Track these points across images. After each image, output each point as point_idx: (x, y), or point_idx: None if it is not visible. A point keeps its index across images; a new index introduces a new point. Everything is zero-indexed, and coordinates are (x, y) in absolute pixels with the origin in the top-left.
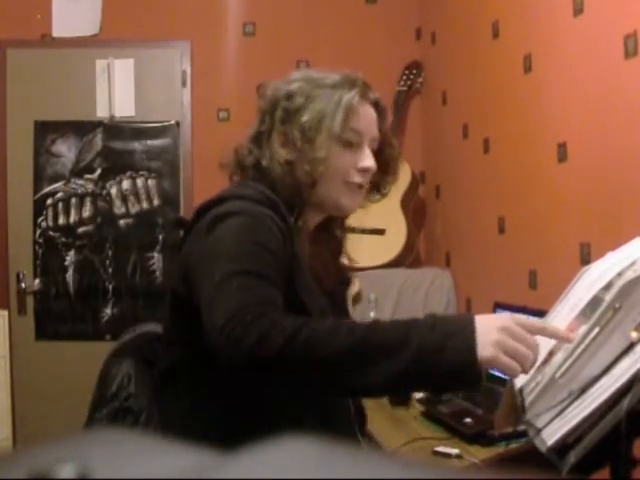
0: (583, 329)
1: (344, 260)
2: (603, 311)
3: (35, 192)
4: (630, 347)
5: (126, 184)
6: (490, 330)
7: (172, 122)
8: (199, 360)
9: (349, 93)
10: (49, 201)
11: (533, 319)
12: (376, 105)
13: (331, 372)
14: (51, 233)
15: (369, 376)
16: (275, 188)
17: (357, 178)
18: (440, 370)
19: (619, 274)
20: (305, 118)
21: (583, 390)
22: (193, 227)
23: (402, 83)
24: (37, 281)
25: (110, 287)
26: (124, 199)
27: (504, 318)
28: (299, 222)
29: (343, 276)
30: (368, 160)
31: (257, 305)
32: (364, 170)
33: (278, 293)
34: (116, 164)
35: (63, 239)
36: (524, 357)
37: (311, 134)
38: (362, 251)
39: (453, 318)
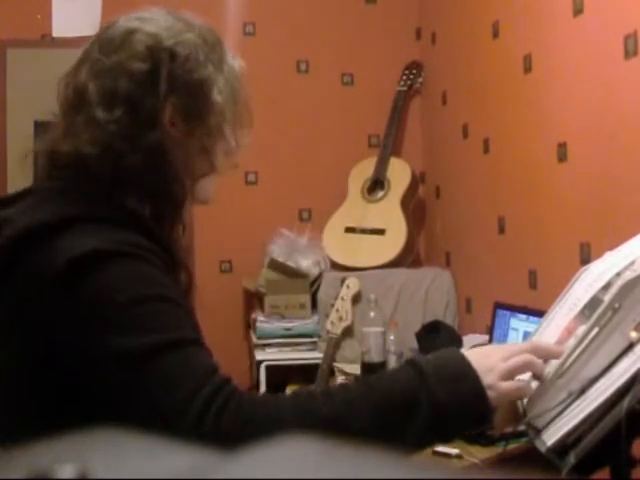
0: (582, 329)
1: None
2: (602, 311)
3: None
4: (629, 347)
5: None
6: (486, 367)
7: None
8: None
9: (234, 60)
10: None
11: (519, 343)
12: None
13: None
14: None
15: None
16: (144, 190)
17: (226, 165)
18: (456, 426)
19: (618, 274)
20: (219, 98)
21: (583, 390)
22: (19, 265)
23: (402, 83)
24: None
25: None
26: None
27: (492, 348)
28: (177, 243)
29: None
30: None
31: (217, 391)
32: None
33: (208, 351)
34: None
35: None
36: (526, 367)
37: (230, 118)
38: (362, 251)
39: (447, 365)
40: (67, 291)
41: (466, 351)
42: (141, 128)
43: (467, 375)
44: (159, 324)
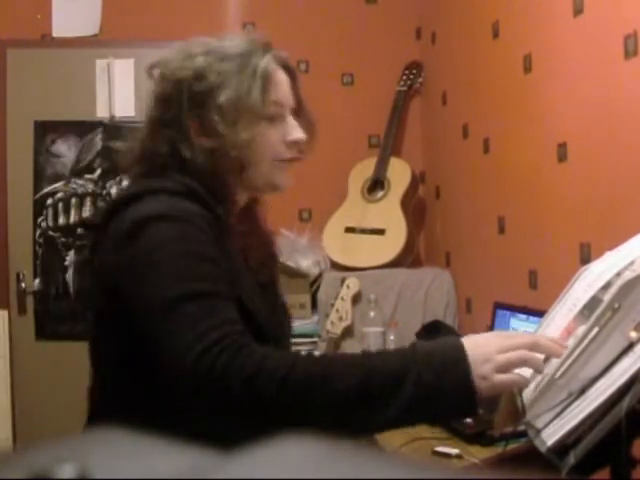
0: (582, 329)
1: (268, 231)
2: (602, 311)
3: (35, 192)
4: (629, 347)
5: (126, 184)
6: (483, 357)
7: None
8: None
9: (262, 59)
10: (49, 201)
11: (522, 333)
12: (287, 67)
13: (325, 421)
14: (51, 233)
15: (366, 423)
16: (200, 180)
17: (288, 153)
18: (439, 409)
19: (617, 274)
20: (222, 99)
21: (583, 390)
22: (106, 230)
23: (402, 83)
24: (37, 281)
25: None
26: None
27: (492, 337)
28: (229, 218)
29: (271, 250)
30: (296, 131)
31: (225, 337)
32: (294, 143)
33: (234, 308)
34: (116, 164)
35: (63, 239)
36: (524, 363)
37: (231, 116)
38: (362, 251)
39: (443, 349)
40: (129, 242)
41: (467, 338)
42: (183, 137)
43: (458, 362)
44: (193, 276)
